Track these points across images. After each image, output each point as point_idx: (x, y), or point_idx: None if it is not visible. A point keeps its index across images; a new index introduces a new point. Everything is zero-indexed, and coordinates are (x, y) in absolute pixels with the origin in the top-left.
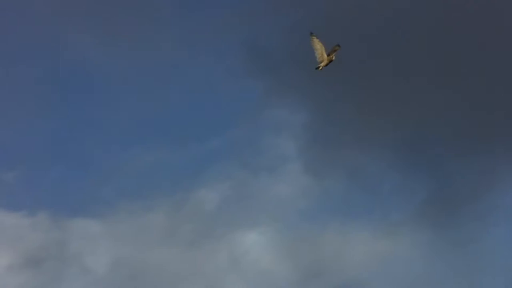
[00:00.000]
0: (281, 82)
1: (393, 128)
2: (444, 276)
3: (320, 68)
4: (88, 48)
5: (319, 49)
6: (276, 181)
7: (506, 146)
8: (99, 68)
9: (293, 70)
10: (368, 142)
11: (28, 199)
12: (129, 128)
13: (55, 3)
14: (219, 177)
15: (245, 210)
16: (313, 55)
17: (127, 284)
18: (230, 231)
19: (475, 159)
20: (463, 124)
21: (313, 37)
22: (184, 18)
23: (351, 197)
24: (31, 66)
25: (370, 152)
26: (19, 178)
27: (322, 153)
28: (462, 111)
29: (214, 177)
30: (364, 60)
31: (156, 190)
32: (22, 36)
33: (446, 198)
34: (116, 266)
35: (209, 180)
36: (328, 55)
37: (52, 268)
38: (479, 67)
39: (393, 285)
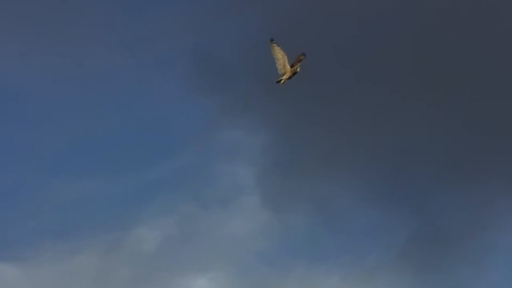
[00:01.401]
0: (236, 98)
1: (369, 154)
2: None
3: (282, 81)
4: (6, 58)
5: (281, 59)
6: (230, 216)
7: (506, 175)
8: (18, 82)
9: (250, 84)
10: (339, 170)
11: None
12: (54, 153)
13: None
14: (162, 211)
15: (192, 251)
16: (274, 66)
17: None
18: (175, 276)
19: (468, 191)
20: (453, 148)
21: (274, 44)
22: (120, 21)
23: (319, 236)
24: None
25: (342, 182)
26: None
27: (285, 183)
28: (452, 133)
29: (156, 211)
30: (335, 72)
31: (87, 228)
32: None
33: (433, 237)
34: None
35: (150, 215)
36: (291, 66)
37: None
38: (472, 78)
39: None
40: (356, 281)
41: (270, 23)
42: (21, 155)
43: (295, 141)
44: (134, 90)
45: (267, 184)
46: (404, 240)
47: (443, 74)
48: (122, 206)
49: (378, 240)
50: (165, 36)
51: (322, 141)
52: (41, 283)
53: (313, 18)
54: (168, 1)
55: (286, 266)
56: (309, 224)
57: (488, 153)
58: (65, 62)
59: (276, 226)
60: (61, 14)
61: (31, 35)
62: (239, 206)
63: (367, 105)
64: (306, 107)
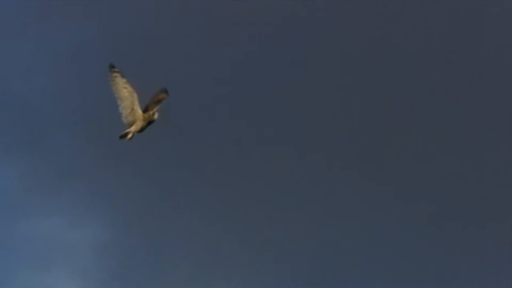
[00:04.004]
0: (53, 163)
1: (276, 257)
2: None
3: (130, 136)
4: None
5: (128, 99)
6: None
7: None
8: None
9: (75, 140)
10: (232, 281)
11: None
12: None
13: None
14: None
15: None
16: (116, 110)
17: None
18: None
19: None
20: (407, 250)
21: (116, 74)
22: None
23: None
24: None
25: None
26: None
27: None
28: (417, 228)
29: None
30: (218, 119)
31: None
32: None
33: None
34: None
35: None
36: (145, 111)
37: None
38: (437, 142)
39: None
40: None
41: (109, 39)
42: None
43: (153, 238)
44: None
45: None
46: None
47: (392, 129)
48: None
49: None
50: None
51: (196, 236)
52: None
53: (180, 32)
54: None
55: None
56: None
57: (463, 263)
58: None
59: None
60: None
61: None
62: None
63: (273, 178)
64: (170, 180)
